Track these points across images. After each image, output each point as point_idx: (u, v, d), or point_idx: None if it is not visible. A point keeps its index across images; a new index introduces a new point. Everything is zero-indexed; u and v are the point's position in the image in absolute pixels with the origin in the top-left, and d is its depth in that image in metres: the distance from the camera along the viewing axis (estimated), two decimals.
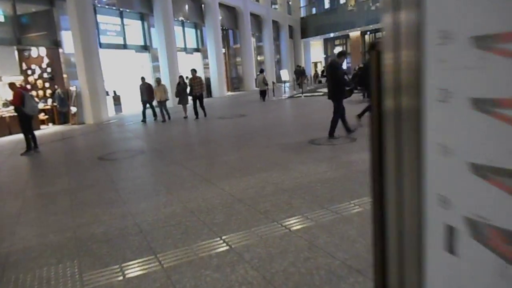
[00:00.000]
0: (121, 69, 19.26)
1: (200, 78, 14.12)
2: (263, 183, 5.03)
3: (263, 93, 19.52)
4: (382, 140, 1.14)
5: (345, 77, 8.02)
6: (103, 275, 3.02)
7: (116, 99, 18.64)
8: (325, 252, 3.03)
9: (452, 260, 0.91)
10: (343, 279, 2.64)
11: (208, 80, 25.14)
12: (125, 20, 19.19)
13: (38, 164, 8.38)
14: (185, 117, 13.80)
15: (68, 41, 15.12)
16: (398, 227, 1.09)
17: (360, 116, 9.03)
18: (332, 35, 39.74)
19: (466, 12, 0.80)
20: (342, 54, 7.91)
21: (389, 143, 1.10)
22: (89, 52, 15.18)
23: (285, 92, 21.88)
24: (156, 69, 20.38)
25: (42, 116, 15.48)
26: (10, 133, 13.37)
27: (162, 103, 13.64)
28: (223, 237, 3.47)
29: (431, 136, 0.92)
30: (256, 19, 32.07)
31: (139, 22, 20.23)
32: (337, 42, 42.37)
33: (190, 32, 24.47)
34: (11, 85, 9.36)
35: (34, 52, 15.95)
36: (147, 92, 13.62)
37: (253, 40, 31.34)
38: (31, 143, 9.40)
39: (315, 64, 43.05)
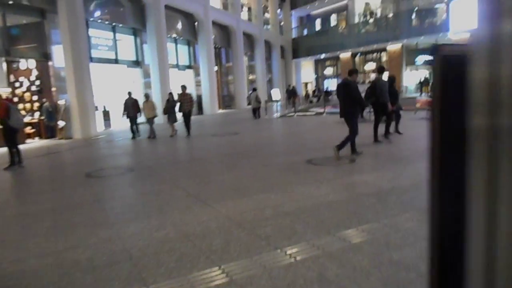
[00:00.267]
0: (112, 84, 18.93)
1: (190, 95, 13.69)
2: (262, 205, 4.72)
3: (256, 111, 19.39)
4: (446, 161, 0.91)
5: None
6: None
7: (106, 114, 18.26)
8: (337, 286, 2.73)
9: None
10: None
11: (200, 97, 24.97)
12: (118, 35, 19.00)
13: (21, 180, 7.95)
14: (172, 136, 13.26)
15: (58, 54, 14.81)
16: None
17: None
18: (323, 56, 40.11)
19: None
20: (353, 72, 7.78)
21: (477, 165, 0.87)
22: (80, 65, 14.87)
23: (277, 111, 21.73)
24: (147, 85, 20.14)
25: (28, 129, 15.01)
26: None
27: (150, 120, 13.14)
28: (223, 267, 3.14)
29: None
30: (249, 39, 32.21)
31: (132, 37, 20.07)
32: (327, 63, 42.76)
33: (183, 49, 24.38)
34: None
35: (23, 64, 15.59)
36: (133, 108, 13.13)
37: (245, 59, 31.40)
38: (15, 158, 8.96)
39: (306, 84, 43.26)
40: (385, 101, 8.84)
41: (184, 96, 13.20)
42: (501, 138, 0.83)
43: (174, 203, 5.08)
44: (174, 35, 22.97)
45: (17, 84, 15.70)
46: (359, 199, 4.71)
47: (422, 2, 31.77)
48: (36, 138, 15.32)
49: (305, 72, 43.83)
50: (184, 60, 24.43)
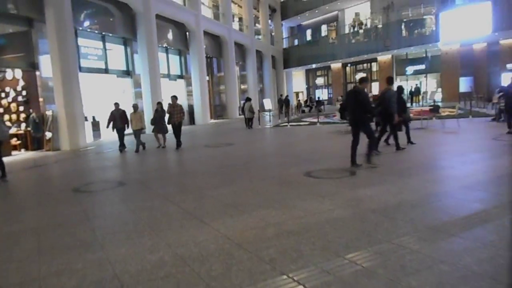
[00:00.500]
0: (102, 94, 18.54)
1: (180, 105, 13.11)
2: (262, 223, 4.43)
3: (249, 121, 19.22)
4: None
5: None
6: None
7: (95, 125, 17.85)
8: None
9: None
10: None
11: (191, 107, 24.68)
12: (108, 45, 18.70)
13: (4, 195, 7.54)
14: (159, 147, 12.82)
15: (46, 64, 14.43)
16: None
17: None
18: (314, 66, 40.22)
19: None
20: (364, 80, 7.66)
21: None
22: (68, 75, 14.50)
23: (270, 120, 21.52)
24: (138, 95, 19.80)
25: (14, 141, 14.55)
26: None
27: (137, 132, 12.58)
28: None
29: None
30: (240, 48, 32.13)
31: (122, 46, 19.78)
32: (318, 73, 42.92)
33: (174, 59, 24.15)
34: None
35: (9, 74, 15.19)
36: (121, 119, 12.47)
37: (236, 68, 31.26)
38: None
39: (297, 94, 43.24)
40: (392, 111, 8.72)
41: (174, 107, 12.69)
42: None
43: (168, 221, 4.76)
44: (165, 45, 22.73)
45: (2, 95, 15.30)
46: (365, 216, 4.44)
47: (411, 13, 32.05)
48: (22, 150, 14.86)
49: (296, 82, 43.92)
50: (175, 70, 24.18)
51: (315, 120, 19.86)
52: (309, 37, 42.74)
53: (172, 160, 10.81)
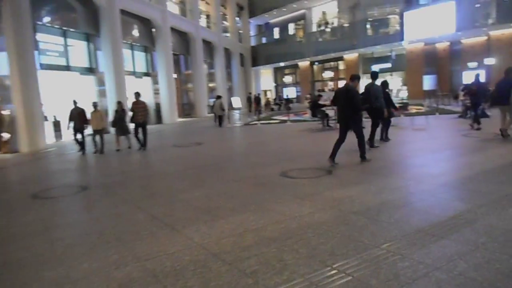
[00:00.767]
0: (64, 93, 17.58)
1: (144, 103, 12.23)
2: (240, 229, 4.11)
3: (220, 119, 18.90)
4: None
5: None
6: None
7: (56, 125, 16.90)
8: None
9: None
10: None
11: (158, 105, 23.99)
12: (69, 40, 17.77)
13: None
14: (118, 150, 11.85)
15: (2, 61, 13.45)
16: None
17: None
18: (282, 64, 40.21)
19: None
20: (356, 78, 7.47)
21: None
22: (26, 73, 13.62)
23: (239, 119, 21.20)
24: (102, 93, 18.97)
25: None
26: None
27: (98, 133, 11.70)
28: None
29: None
30: (208, 46, 31.59)
31: (85, 43, 18.87)
32: (286, 71, 42.95)
33: (140, 56, 23.37)
34: None
35: None
36: (79, 119, 11.55)
37: (205, 66, 30.71)
38: None
39: (265, 92, 43.09)
40: (380, 106, 8.70)
41: (138, 105, 11.76)
42: None
43: (136, 230, 4.36)
44: (130, 41, 21.93)
45: None
46: (348, 219, 4.21)
47: (377, 12, 32.58)
48: None
49: (265, 80, 43.74)
50: (141, 67, 23.40)
51: (285, 118, 19.72)
52: (277, 35, 42.62)
53: (139, 162, 10.29)
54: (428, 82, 29.23)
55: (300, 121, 18.51)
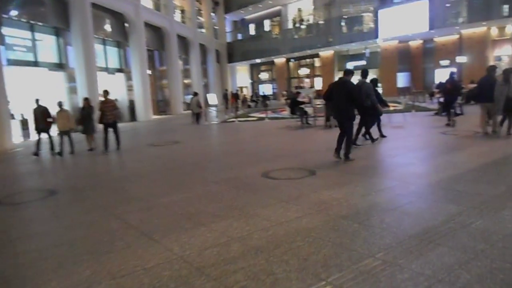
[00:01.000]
0: (32, 89, 16.74)
1: (113, 101, 11.42)
2: (224, 238, 3.83)
3: (197, 116, 18.52)
4: None
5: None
6: None
7: (24, 124, 16.07)
8: None
9: None
10: None
11: (132, 103, 23.31)
12: (37, 35, 16.97)
13: None
14: (90, 149, 11.26)
15: None
16: None
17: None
18: (258, 60, 39.99)
19: None
20: (350, 72, 7.39)
21: None
22: None
23: (216, 116, 20.84)
24: (73, 90, 18.21)
25: None
26: None
27: (64, 133, 10.92)
28: None
29: None
30: (183, 42, 30.97)
31: (54, 37, 18.08)
32: (263, 67, 42.75)
33: (112, 51, 22.63)
34: None
35: None
36: (43, 118, 10.70)
37: (180, 62, 30.09)
38: None
39: (241, 88, 42.76)
40: (373, 103, 8.65)
41: (106, 103, 10.92)
42: None
43: (110, 240, 4.00)
44: (102, 36, 21.16)
45: None
46: (338, 224, 3.99)
47: (352, 10, 32.76)
48: None
49: (241, 77, 43.39)
50: (114, 63, 22.68)
51: (263, 115, 19.49)
52: (252, 32, 42.36)
53: (112, 163, 9.82)
54: (402, 80, 29.64)
55: (278, 119, 18.32)
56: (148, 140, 13.58)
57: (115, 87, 22.15)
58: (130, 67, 23.30)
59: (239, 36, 43.10)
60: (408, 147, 8.69)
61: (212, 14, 38.13)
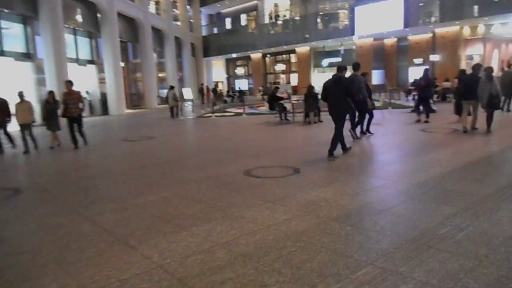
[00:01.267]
0: None
1: (78, 93, 10.37)
2: (207, 243, 3.51)
3: (172, 110, 18.09)
4: None
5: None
6: None
7: None
8: None
9: None
10: None
11: (104, 96, 22.47)
12: (3, 23, 16.06)
13: None
14: (53, 147, 10.28)
15: None
16: None
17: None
18: (234, 55, 39.56)
19: None
20: (343, 68, 7.28)
21: None
22: None
23: (193, 111, 20.35)
24: (41, 82, 17.32)
25: None
26: None
27: (25, 127, 9.99)
28: None
29: None
30: (158, 34, 30.14)
31: (21, 25, 17.11)
32: (239, 62, 42.36)
33: (84, 42, 21.69)
34: None
35: None
36: (1, 111, 9.81)
37: (154, 55, 29.30)
38: None
39: (217, 83, 42.20)
40: (364, 97, 8.54)
41: (71, 95, 9.88)
42: None
43: (80, 247, 3.61)
44: (73, 26, 20.23)
45: None
46: (330, 227, 3.75)
47: (329, 6, 32.79)
48: None
49: (217, 71, 42.81)
50: (85, 54, 21.75)
51: (240, 110, 19.16)
52: (229, 26, 41.84)
53: (82, 160, 9.26)
54: (376, 77, 29.89)
55: (256, 114, 18.02)
56: (121, 135, 13.03)
57: (87, 79, 21.33)
58: (102, 58, 22.45)
59: (215, 30, 42.49)
60: (389, 145, 8.58)
61: (188, 6, 37.33)
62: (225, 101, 30.17)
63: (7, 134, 10.26)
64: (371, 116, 9.63)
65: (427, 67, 14.81)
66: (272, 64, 39.03)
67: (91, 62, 22.11)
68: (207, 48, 39.66)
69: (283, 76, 38.05)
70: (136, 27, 26.66)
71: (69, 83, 10.24)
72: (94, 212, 4.65)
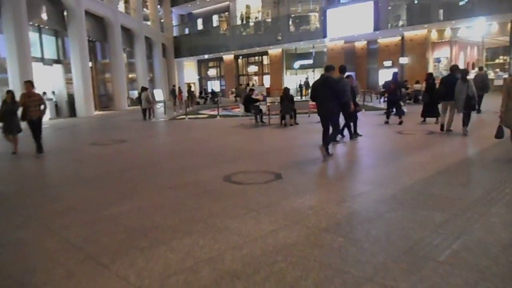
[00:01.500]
0: None
1: (39, 95, 9.55)
2: (190, 260, 3.20)
3: (144, 112, 17.71)
4: None
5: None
6: None
7: None
8: None
9: None
10: None
11: (71, 97, 21.55)
12: None
13: None
14: (14, 153, 9.42)
15: None
16: None
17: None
18: (206, 56, 39.10)
19: None
20: (331, 68, 7.27)
21: None
22: None
23: (165, 113, 19.81)
24: (3, 82, 16.39)
25: None
26: None
27: None
28: None
29: None
30: (127, 33, 29.33)
31: None
32: (211, 64, 41.91)
33: (50, 41, 20.74)
34: None
35: None
36: None
37: (124, 55, 28.46)
38: None
39: (189, 85, 41.55)
40: (347, 100, 8.34)
41: (30, 96, 9.02)
42: None
43: (45, 267, 3.21)
44: (37, 24, 19.29)
45: None
46: (320, 239, 3.52)
47: (300, 8, 32.90)
48: None
49: (188, 73, 42.15)
50: (51, 53, 20.79)
51: (214, 112, 18.81)
52: (200, 27, 41.33)
53: (46, 166, 8.65)
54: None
55: (230, 116, 17.73)
56: (90, 138, 12.41)
57: (53, 80, 20.42)
58: (69, 58, 21.53)
59: (187, 31, 41.85)
60: (369, 148, 8.50)
61: (158, 6, 36.59)
62: (198, 103, 29.70)
63: None
64: (356, 118, 9.56)
65: (396, 70, 14.99)
66: (244, 65, 38.79)
67: (57, 61, 21.18)
68: (179, 48, 39.01)
69: (255, 78, 37.86)
70: (105, 26, 25.79)
71: (29, 83, 9.32)
72: (61, 224, 4.23)
